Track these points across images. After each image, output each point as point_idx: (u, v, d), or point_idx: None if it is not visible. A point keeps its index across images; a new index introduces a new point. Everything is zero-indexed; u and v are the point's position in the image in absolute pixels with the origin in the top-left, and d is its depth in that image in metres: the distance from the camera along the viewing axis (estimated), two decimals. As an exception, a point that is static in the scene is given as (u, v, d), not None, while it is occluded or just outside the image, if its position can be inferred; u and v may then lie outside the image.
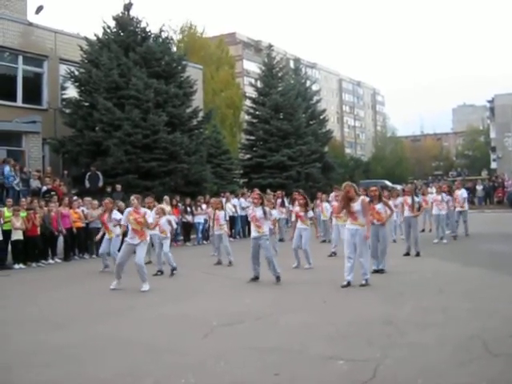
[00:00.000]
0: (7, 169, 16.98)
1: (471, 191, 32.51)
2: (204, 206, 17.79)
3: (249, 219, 10.62)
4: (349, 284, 8.98)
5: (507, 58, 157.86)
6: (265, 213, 9.75)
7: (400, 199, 16.49)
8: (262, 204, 9.93)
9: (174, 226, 11.93)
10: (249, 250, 10.01)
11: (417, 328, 6.28)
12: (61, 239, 14.39)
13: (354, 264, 9.03)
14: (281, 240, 17.42)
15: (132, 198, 10.07)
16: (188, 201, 18.58)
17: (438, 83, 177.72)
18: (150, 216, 9.85)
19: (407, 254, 12.83)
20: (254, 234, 9.89)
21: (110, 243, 12.06)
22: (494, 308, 7.17)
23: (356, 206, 9.08)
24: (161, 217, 11.37)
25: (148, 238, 10.01)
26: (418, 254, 12.66)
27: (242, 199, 20.20)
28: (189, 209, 18.38)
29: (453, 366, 4.93)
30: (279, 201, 17.85)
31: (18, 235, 13.03)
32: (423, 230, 16.94)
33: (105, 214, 12.29)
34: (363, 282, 8.92)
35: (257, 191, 11.00)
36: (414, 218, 13.02)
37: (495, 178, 37.26)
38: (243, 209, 18.72)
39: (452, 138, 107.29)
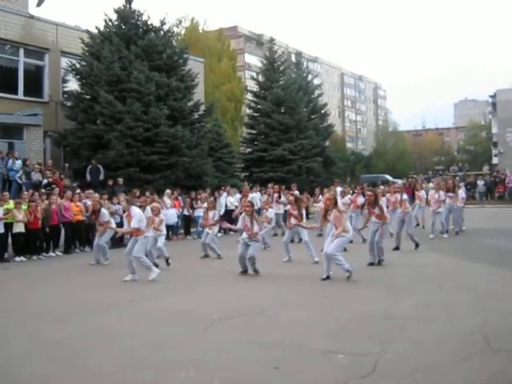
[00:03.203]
0: (11, 162, 17.07)
1: (472, 186, 32.51)
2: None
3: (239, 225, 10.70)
4: (328, 277, 9.17)
5: (510, 53, 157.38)
6: (251, 223, 10.11)
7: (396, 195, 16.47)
8: (252, 213, 10.29)
9: (163, 226, 11.90)
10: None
11: (417, 323, 6.29)
12: (62, 232, 14.41)
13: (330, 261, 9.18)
14: (276, 235, 17.30)
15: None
16: (193, 194, 18.61)
17: (440, 78, 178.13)
18: (136, 219, 9.92)
19: (397, 248, 12.74)
20: (244, 235, 10.27)
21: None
22: (494, 303, 7.18)
23: (332, 218, 9.33)
24: (157, 215, 11.42)
25: (148, 234, 10.39)
26: (417, 246, 12.71)
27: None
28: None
29: (453, 361, 4.93)
30: (276, 195, 17.82)
31: (19, 228, 13.04)
32: (418, 225, 16.88)
33: (93, 214, 12.58)
34: (347, 275, 9.03)
35: (248, 199, 11.13)
36: (408, 214, 12.98)
37: (496, 173, 37.19)
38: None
39: (453, 132, 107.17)
